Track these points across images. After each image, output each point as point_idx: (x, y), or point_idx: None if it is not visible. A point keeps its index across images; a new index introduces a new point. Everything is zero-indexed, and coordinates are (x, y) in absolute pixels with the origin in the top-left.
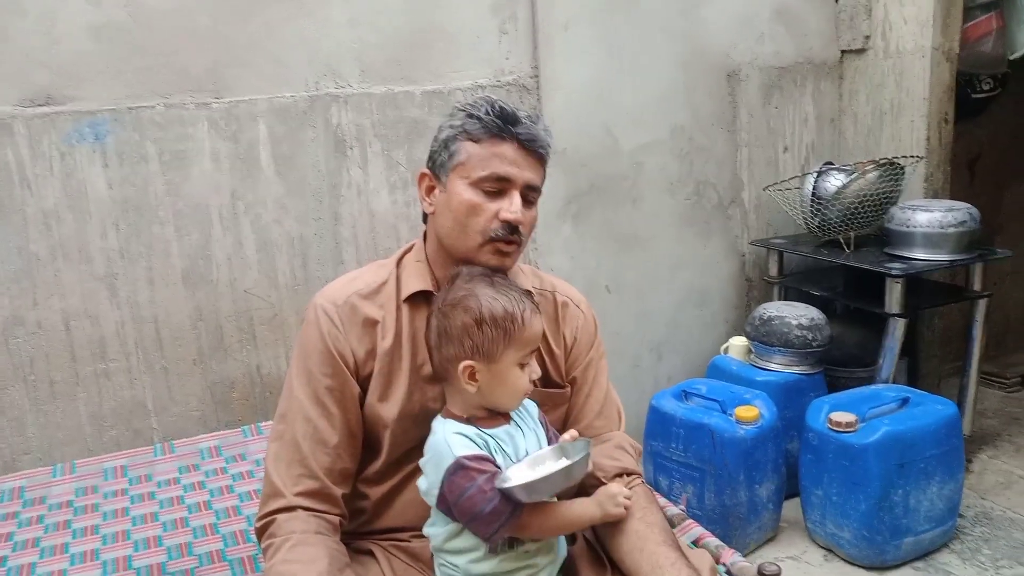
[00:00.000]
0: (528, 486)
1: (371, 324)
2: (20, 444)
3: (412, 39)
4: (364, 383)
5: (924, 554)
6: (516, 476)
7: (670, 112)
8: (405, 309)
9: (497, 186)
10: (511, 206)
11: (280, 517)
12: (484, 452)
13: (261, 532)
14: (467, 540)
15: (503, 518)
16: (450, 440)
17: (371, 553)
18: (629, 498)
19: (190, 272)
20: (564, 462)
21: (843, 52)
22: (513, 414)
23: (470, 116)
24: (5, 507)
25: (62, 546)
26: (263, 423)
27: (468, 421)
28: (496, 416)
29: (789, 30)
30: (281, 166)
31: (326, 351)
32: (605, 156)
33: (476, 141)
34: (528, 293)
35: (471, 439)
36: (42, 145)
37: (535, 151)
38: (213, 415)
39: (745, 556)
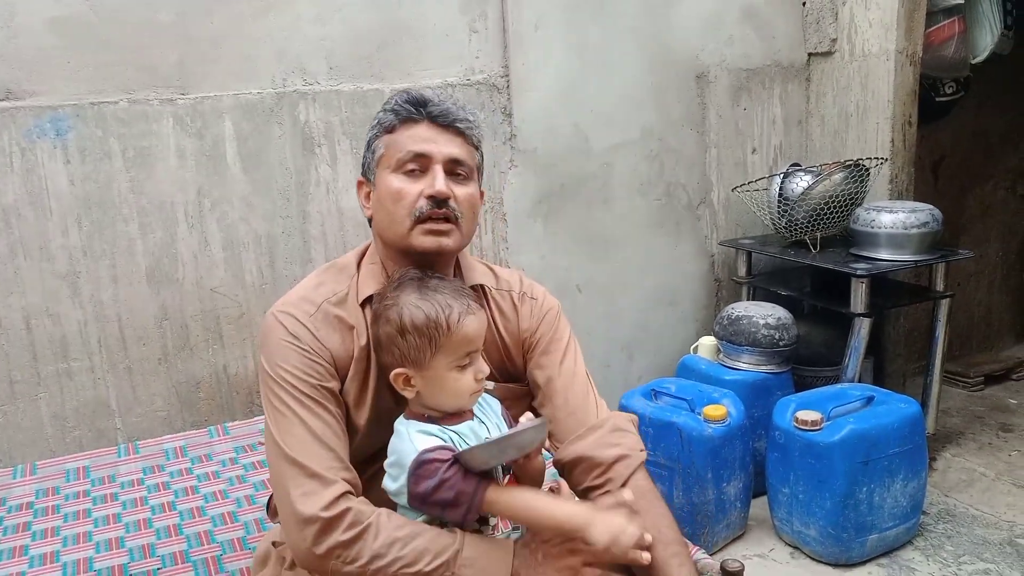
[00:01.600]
0: (480, 449)
1: (348, 328)
2: None
3: (381, 36)
4: (345, 387)
5: (889, 551)
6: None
7: (640, 113)
8: (367, 313)
9: (417, 165)
10: (433, 181)
11: (353, 501)
12: (447, 443)
13: (333, 523)
14: None
15: (469, 497)
16: (413, 438)
17: None
18: (645, 546)
19: (155, 270)
20: (514, 429)
21: (810, 55)
22: (475, 410)
23: (384, 111)
24: None
25: (21, 548)
26: (229, 423)
27: (430, 420)
28: (457, 413)
29: (757, 32)
30: (248, 163)
31: (317, 351)
32: (576, 156)
33: (391, 131)
34: (471, 292)
35: (435, 435)
36: (2, 140)
37: (452, 126)
38: (179, 415)
39: (713, 554)
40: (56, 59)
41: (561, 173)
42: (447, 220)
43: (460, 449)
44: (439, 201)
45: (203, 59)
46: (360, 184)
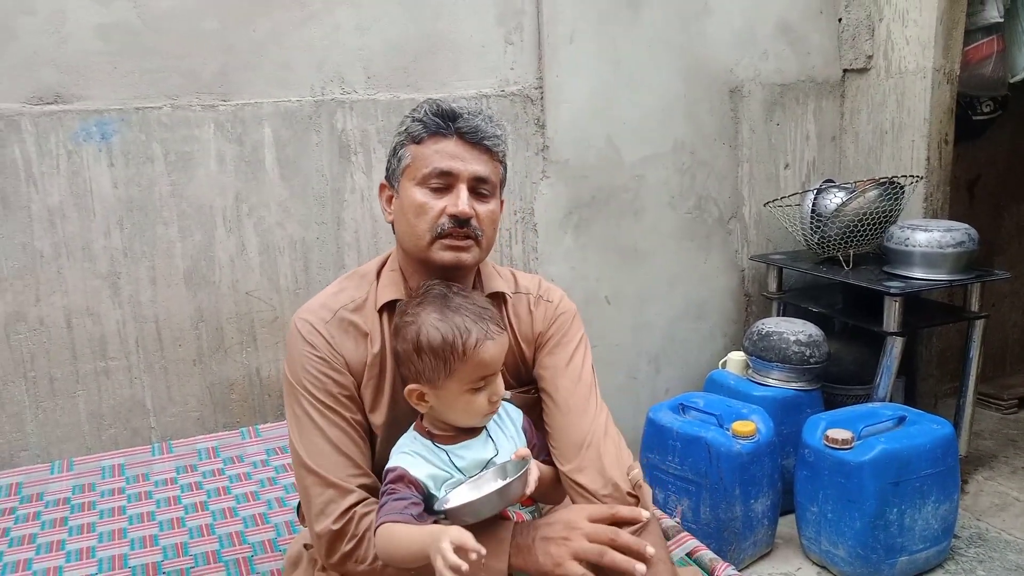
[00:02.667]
0: (462, 508)
1: (363, 335)
2: (19, 440)
3: (418, 47)
4: (359, 392)
5: (918, 574)
6: (453, 499)
7: (672, 126)
8: (385, 319)
9: (442, 182)
10: (457, 200)
11: (360, 507)
12: (407, 472)
13: (341, 533)
14: None
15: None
16: (394, 453)
17: None
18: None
19: (192, 273)
20: (496, 484)
21: (845, 71)
22: (491, 424)
23: (413, 120)
24: (2, 503)
25: (58, 543)
26: (261, 425)
27: (429, 435)
28: (463, 430)
29: (792, 48)
30: (285, 170)
31: (332, 358)
32: (607, 168)
33: (419, 142)
34: (494, 313)
35: (420, 456)
36: (49, 143)
37: (480, 144)
38: (212, 416)
39: (740, 571)
40: (103, 64)
41: (592, 184)
42: (467, 237)
43: (446, 469)
44: (461, 220)
45: (244, 67)
46: (382, 188)
